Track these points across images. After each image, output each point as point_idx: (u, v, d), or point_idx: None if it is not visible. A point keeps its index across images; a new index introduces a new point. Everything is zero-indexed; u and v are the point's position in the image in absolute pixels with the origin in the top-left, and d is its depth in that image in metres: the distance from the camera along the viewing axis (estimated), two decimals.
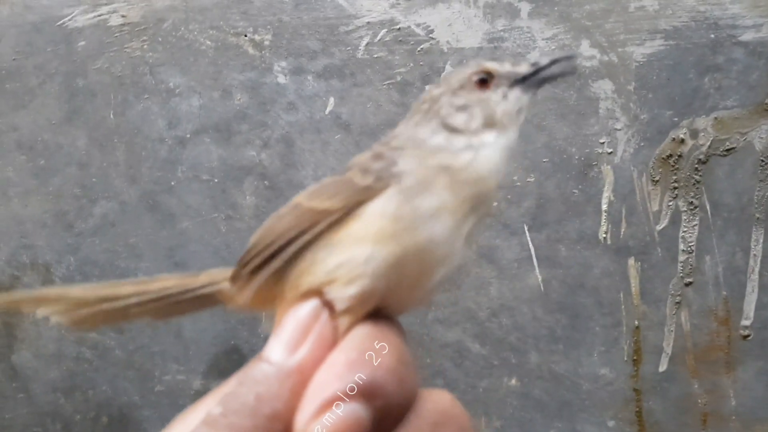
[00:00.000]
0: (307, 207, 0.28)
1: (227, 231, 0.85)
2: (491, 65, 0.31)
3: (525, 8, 0.80)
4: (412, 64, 0.82)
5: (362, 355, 0.23)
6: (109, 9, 0.86)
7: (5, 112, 0.86)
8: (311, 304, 0.25)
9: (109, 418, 0.87)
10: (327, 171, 0.84)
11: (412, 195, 0.27)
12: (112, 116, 0.85)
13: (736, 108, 0.78)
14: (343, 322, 0.25)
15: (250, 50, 0.84)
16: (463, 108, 0.30)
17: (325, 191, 0.28)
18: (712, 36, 0.78)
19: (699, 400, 0.82)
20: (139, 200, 0.86)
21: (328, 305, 0.25)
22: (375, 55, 0.83)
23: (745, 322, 0.80)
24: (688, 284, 0.81)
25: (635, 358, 0.82)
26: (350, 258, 0.26)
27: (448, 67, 0.82)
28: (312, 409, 0.22)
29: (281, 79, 0.83)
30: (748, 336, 0.80)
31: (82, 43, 0.86)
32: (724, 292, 0.80)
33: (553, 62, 0.32)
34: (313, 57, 0.84)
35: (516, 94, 0.31)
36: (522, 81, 0.32)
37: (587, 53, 0.79)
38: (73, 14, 0.86)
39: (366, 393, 0.22)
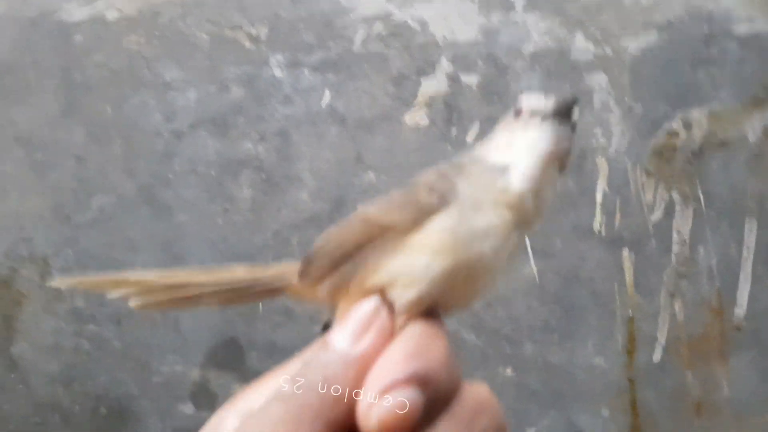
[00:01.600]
0: (375, 219, 0.31)
1: (224, 224, 0.86)
2: (523, 102, 0.34)
3: (520, 2, 0.81)
4: (407, 58, 0.83)
5: (418, 347, 0.26)
6: (106, 3, 0.86)
7: (3, 107, 0.87)
8: (374, 302, 0.28)
9: (107, 409, 0.88)
10: (322, 164, 0.84)
11: (467, 212, 0.30)
12: (109, 110, 0.86)
13: (730, 101, 0.79)
14: (400, 319, 0.28)
15: (247, 44, 0.85)
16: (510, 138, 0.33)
17: (393, 206, 0.31)
18: (706, 29, 0.79)
19: (692, 390, 0.82)
20: (136, 193, 0.86)
21: (388, 304, 0.28)
22: (371, 49, 0.83)
23: (738, 313, 0.81)
24: (682, 275, 0.81)
25: (629, 348, 0.83)
26: (411, 264, 0.29)
27: (443, 60, 0.83)
28: (374, 392, 0.25)
29: (277, 73, 0.84)
30: (741, 327, 0.81)
31: (79, 37, 0.86)
32: (718, 283, 0.81)
33: (562, 101, 0.34)
34: (309, 50, 0.84)
35: (538, 126, 0.33)
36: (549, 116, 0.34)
37: (582, 46, 0.80)
38: (69, 9, 0.86)
39: (421, 381, 0.25)
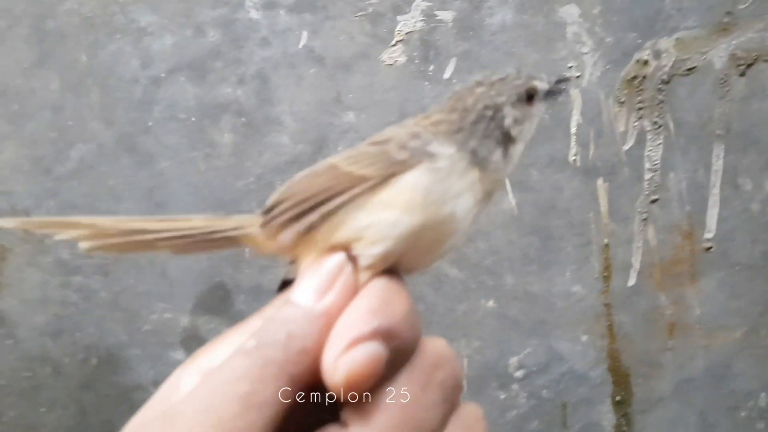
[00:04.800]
0: (345, 171, 0.31)
1: (206, 170, 0.86)
2: (538, 84, 0.35)
3: None
4: None
5: (381, 303, 0.27)
6: None
7: None
8: (338, 257, 0.28)
9: (98, 359, 0.89)
10: (302, 105, 0.85)
11: (446, 175, 0.30)
12: (84, 58, 0.85)
13: (696, 28, 0.81)
14: (364, 275, 0.28)
15: None
16: (520, 121, 0.34)
17: (363, 159, 0.31)
18: None
19: (665, 312, 0.86)
20: (116, 142, 0.86)
21: (353, 260, 0.28)
22: None
23: (708, 235, 0.85)
24: (653, 201, 0.84)
25: (605, 274, 0.86)
26: (379, 220, 0.29)
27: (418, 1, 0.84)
28: (339, 347, 0.25)
29: (253, 15, 0.84)
30: (711, 248, 0.85)
31: None
32: (688, 207, 0.84)
33: (559, 81, 0.36)
34: None
35: (541, 108, 0.36)
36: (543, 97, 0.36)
37: None
38: None
39: (384, 335, 0.25)
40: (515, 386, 0.88)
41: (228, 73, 0.85)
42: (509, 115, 0.33)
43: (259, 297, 0.88)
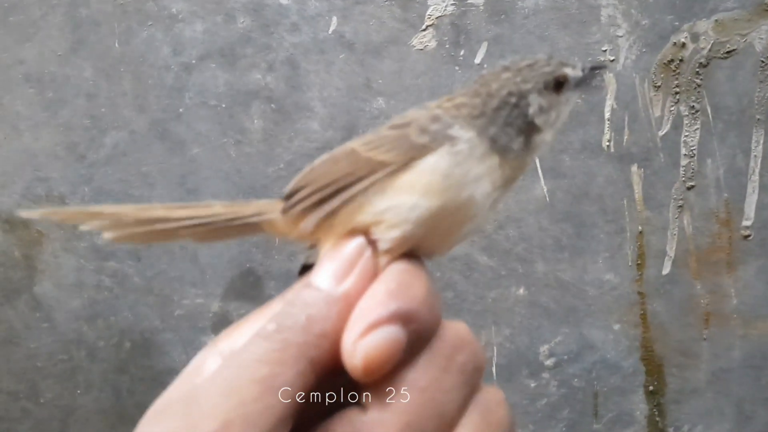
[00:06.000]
0: (365, 156, 0.30)
1: (237, 156, 0.87)
2: (569, 71, 0.34)
3: None
4: None
5: (401, 286, 0.27)
6: None
7: (10, 45, 0.87)
8: (358, 241, 0.28)
9: (131, 342, 0.91)
10: (332, 91, 0.85)
11: (465, 159, 0.30)
12: (117, 45, 0.86)
13: (736, 9, 0.79)
14: (384, 259, 0.28)
15: None
16: (546, 109, 0.33)
17: (382, 143, 0.31)
18: None
19: (701, 301, 0.85)
20: (148, 129, 0.87)
21: (372, 243, 0.28)
22: None
23: (746, 223, 0.83)
24: (690, 188, 0.83)
25: (639, 262, 0.84)
26: (398, 204, 0.29)
27: None
28: (358, 330, 0.25)
29: (283, 0, 0.84)
30: (749, 236, 0.83)
31: None
32: (726, 194, 0.82)
33: (593, 68, 0.35)
34: None
35: (573, 97, 0.34)
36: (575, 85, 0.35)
37: None
38: None
39: (403, 318, 0.25)
40: (546, 375, 0.87)
41: (258, 59, 0.85)
42: (534, 103, 0.32)
43: (289, 283, 0.87)
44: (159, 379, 0.89)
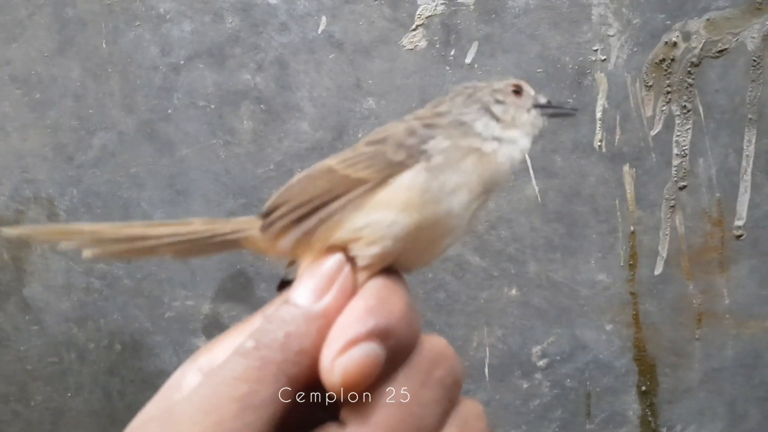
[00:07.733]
0: (342, 174, 0.31)
1: (226, 156, 0.86)
2: (523, 83, 0.36)
3: None
4: None
5: (379, 302, 0.27)
6: None
7: None
8: (336, 258, 0.28)
9: (122, 345, 0.90)
10: (322, 91, 0.84)
11: (440, 171, 0.30)
12: (104, 45, 0.85)
13: (728, 8, 0.78)
14: (362, 275, 0.28)
15: None
16: (501, 102, 0.35)
17: (359, 161, 0.31)
18: None
19: (694, 301, 0.84)
20: (137, 130, 0.86)
21: (351, 260, 0.29)
22: None
23: (738, 223, 0.82)
24: (682, 188, 0.82)
25: (631, 262, 0.84)
26: (376, 221, 0.29)
27: None
28: (337, 347, 0.25)
29: (272, 0, 0.83)
30: (741, 236, 0.83)
31: None
32: (718, 194, 0.82)
33: (562, 105, 0.39)
34: None
35: (535, 113, 0.36)
36: (539, 107, 0.37)
37: None
38: None
39: (381, 334, 0.26)
40: (538, 375, 0.87)
41: (247, 59, 0.84)
42: (487, 93, 0.35)
43: None
44: (149, 381, 0.89)
